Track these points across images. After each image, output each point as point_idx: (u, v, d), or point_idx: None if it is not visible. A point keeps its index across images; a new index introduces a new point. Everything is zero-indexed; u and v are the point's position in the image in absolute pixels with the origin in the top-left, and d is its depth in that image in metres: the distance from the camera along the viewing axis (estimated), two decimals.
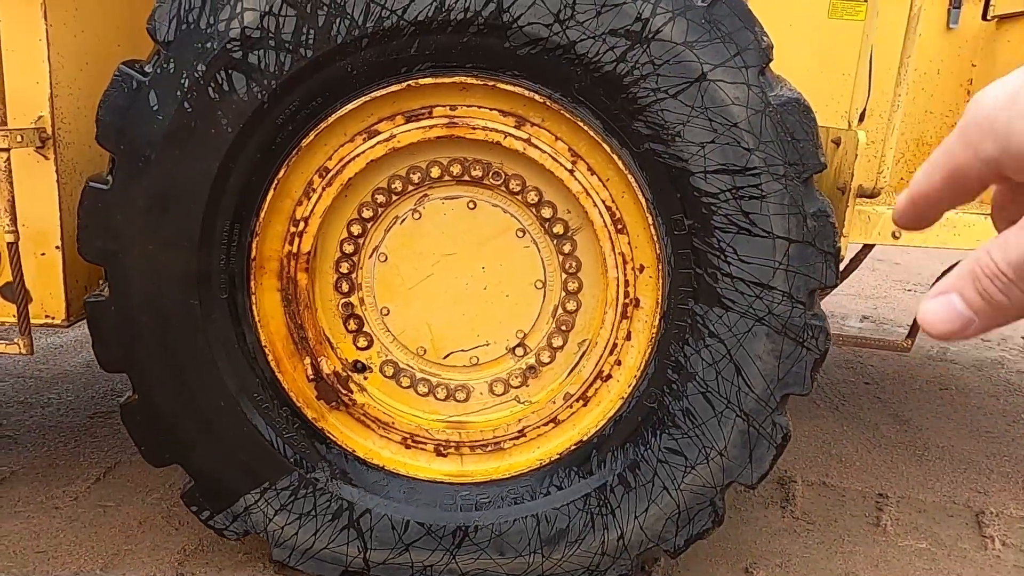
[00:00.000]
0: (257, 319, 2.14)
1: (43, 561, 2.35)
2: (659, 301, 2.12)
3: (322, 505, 2.23)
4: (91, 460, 2.98)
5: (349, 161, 2.07)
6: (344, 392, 2.21)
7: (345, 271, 2.20)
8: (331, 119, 2.01)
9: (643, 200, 2.06)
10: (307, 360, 2.20)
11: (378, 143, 2.06)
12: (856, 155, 2.31)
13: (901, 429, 3.69)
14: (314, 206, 2.09)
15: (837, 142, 2.43)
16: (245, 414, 2.15)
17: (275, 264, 2.14)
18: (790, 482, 3.11)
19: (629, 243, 2.12)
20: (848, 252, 2.61)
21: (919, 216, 0.55)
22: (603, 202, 2.10)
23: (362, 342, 2.25)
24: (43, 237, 2.20)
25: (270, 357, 2.17)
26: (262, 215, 2.07)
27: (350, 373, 2.23)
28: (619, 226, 2.11)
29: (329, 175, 2.08)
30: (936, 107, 3.08)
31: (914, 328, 3.22)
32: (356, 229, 2.18)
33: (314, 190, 2.09)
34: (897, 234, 2.43)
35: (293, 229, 2.11)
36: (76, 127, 2.25)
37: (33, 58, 2.11)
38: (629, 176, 2.05)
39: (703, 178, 1.99)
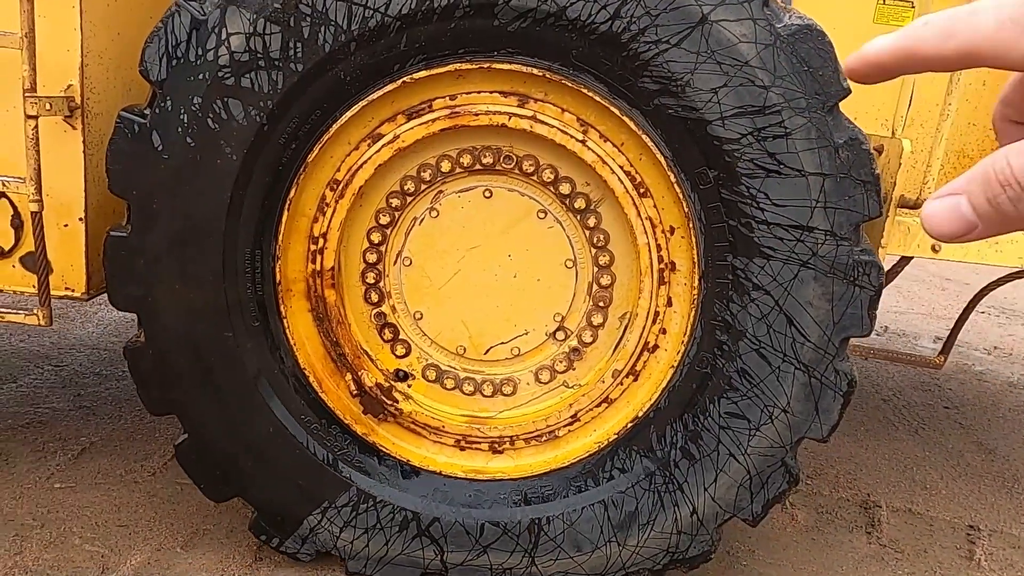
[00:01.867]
0: (292, 342, 2.13)
1: (125, 535, 2.38)
2: (695, 261, 2.03)
3: (386, 517, 2.19)
4: (166, 435, 3.00)
5: (357, 169, 2.03)
6: (389, 403, 2.18)
7: (372, 281, 2.17)
8: (332, 130, 1.99)
9: (662, 159, 1.98)
10: (348, 376, 2.18)
11: (383, 146, 2.02)
12: (900, 164, 2.20)
13: (987, 458, 3.52)
14: (330, 221, 2.07)
15: (879, 150, 2.33)
16: (295, 438, 2.13)
17: (301, 285, 2.12)
18: (874, 507, 2.98)
19: (655, 205, 2.04)
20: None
21: (867, 75, 0.53)
22: (621, 168, 2.02)
23: (400, 350, 2.22)
24: (67, 208, 2.13)
25: (311, 378, 2.15)
26: (280, 238, 2.05)
27: (393, 383, 2.20)
28: (641, 190, 2.03)
29: (340, 187, 2.05)
30: (980, 119, 2.92)
31: (947, 345, 3.08)
32: (376, 237, 2.14)
33: (328, 204, 2.06)
34: (937, 247, 2.30)
35: (313, 247, 2.09)
36: (105, 98, 2.18)
37: (65, 25, 2.04)
38: (644, 136, 1.96)
39: (721, 125, 1.90)
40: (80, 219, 2.14)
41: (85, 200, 2.13)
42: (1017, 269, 2.57)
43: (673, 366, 2.09)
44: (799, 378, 2.02)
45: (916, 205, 2.32)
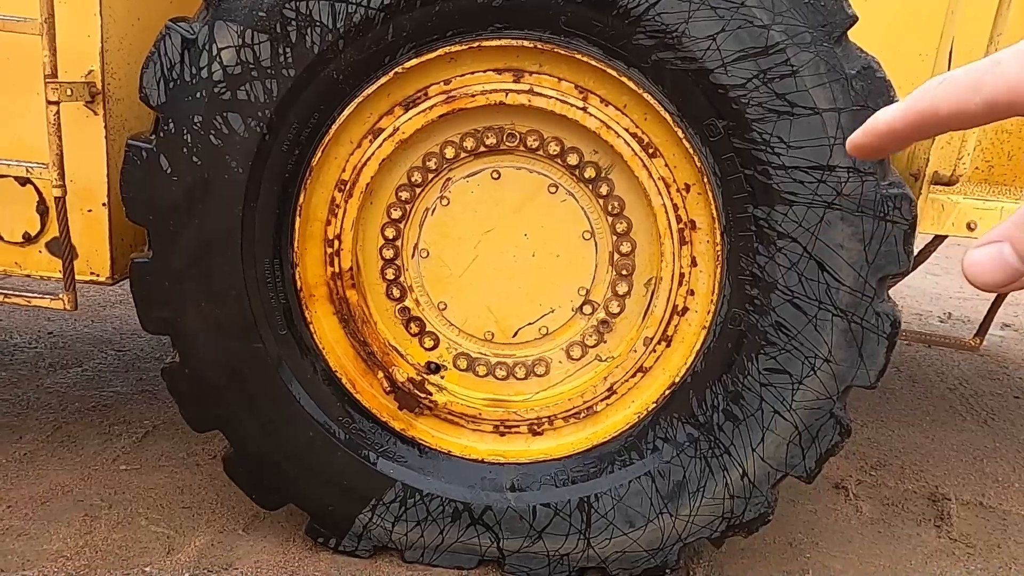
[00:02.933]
0: (321, 347, 2.14)
1: (189, 517, 2.44)
2: (715, 216, 1.96)
3: (436, 510, 2.19)
4: None
5: (362, 167, 2.03)
6: (423, 396, 2.17)
7: (392, 277, 2.17)
8: (332, 130, 1.98)
9: (668, 116, 1.91)
10: (380, 374, 2.18)
11: (384, 140, 2.01)
12: (933, 139, 2.09)
13: None
14: (342, 222, 2.07)
15: None
16: (335, 440, 2.15)
17: (323, 289, 2.13)
18: (943, 500, 2.86)
19: (666, 164, 1.98)
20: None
21: (880, 148, 0.52)
22: (627, 130, 1.96)
23: (428, 342, 2.21)
24: (90, 193, 2.15)
25: (344, 380, 2.16)
26: (296, 244, 2.06)
27: (425, 376, 2.19)
28: (651, 150, 1.97)
29: (348, 186, 2.05)
30: None
31: (983, 327, 2.93)
32: (390, 232, 2.14)
33: (338, 206, 2.06)
34: (973, 226, 2.18)
35: (329, 250, 2.09)
36: (127, 83, 2.18)
37: (85, 10, 2.05)
38: (646, 95, 1.91)
39: (724, 72, 1.83)
40: (104, 204, 2.15)
41: (108, 185, 2.14)
42: None
43: (705, 327, 2.03)
44: (838, 325, 1.94)
45: (951, 182, 2.19)
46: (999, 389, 4.01)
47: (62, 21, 2.00)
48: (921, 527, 2.69)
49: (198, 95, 1.93)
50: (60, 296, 2.15)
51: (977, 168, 2.89)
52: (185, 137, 1.95)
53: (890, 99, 1.82)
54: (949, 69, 2.17)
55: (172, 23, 1.91)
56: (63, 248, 2.10)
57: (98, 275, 2.22)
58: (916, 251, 2.69)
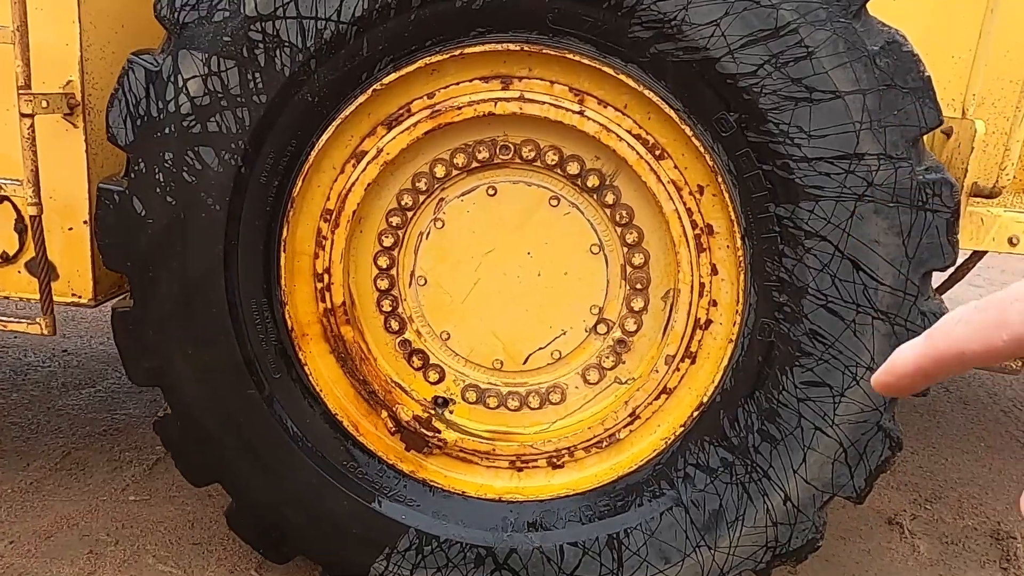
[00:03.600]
0: (319, 388, 2.00)
1: (199, 554, 2.31)
2: (734, 218, 1.78)
3: (456, 555, 2.03)
4: None
5: (347, 194, 1.89)
6: (431, 435, 2.02)
7: (389, 309, 2.02)
8: (312, 157, 1.84)
9: (673, 113, 1.75)
10: (383, 414, 2.03)
11: (368, 163, 1.87)
12: (972, 148, 1.92)
13: None
14: (331, 254, 1.93)
15: (948, 133, 2.05)
16: (340, 487, 2.00)
17: (316, 327, 1.99)
18: (1007, 538, 2.64)
19: (676, 166, 1.81)
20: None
21: (905, 388, 0.52)
22: (629, 132, 1.79)
23: (433, 376, 2.05)
24: (71, 211, 2.02)
25: (345, 423, 2.02)
26: (283, 281, 1.92)
27: (432, 412, 2.04)
28: (657, 152, 1.80)
29: (333, 216, 1.91)
30: None
31: None
32: (384, 261, 1.99)
33: (325, 237, 1.92)
34: (1015, 240, 2.03)
35: (320, 284, 1.95)
36: (109, 94, 2.01)
37: (62, 17, 1.92)
38: (647, 92, 1.74)
39: (731, 60, 1.65)
40: (85, 222, 2.03)
41: (89, 202, 2.02)
42: None
43: (731, 340, 1.85)
44: (879, 328, 1.75)
45: (992, 194, 2.01)
46: None
47: (38, 28, 1.87)
48: (986, 569, 2.48)
49: (167, 131, 1.80)
50: (37, 320, 2.02)
51: (1016, 178, 2.66)
52: (157, 176, 1.83)
53: (919, 75, 1.64)
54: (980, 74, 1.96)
55: (135, 56, 1.79)
56: (40, 268, 1.97)
57: (80, 297, 2.09)
58: (954, 267, 2.51)
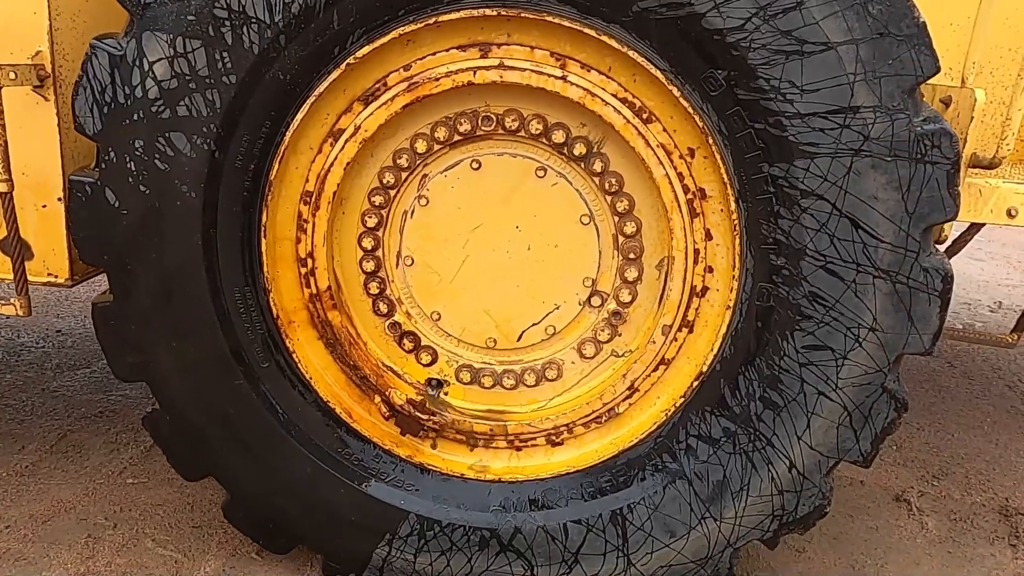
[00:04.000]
0: (309, 376, 1.95)
1: (199, 538, 2.27)
2: (727, 181, 1.73)
3: (459, 538, 2.00)
4: None
5: (326, 174, 1.82)
6: (426, 417, 1.97)
7: (377, 291, 1.97)
8: (288, 138, 1.78)
9: (659, 74, 1.68)
10: (376, 399, 1.98)
11: (347, 141, 1.80)
12: (972, 117, 1.87)
13: None
14: (313, 237, 1.87)
15: (947, 102, 2.01)
16: (336, 475, 1.96)
17: (303, 313, 1.94)
18: (1016, 514, 2.61)
19: (664, 129, 1.74)
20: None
21: None
22: (615, 96, 1.73)
23: (425, 358, 2.00)
24: (44, 188, 1.95)
25: (338, 410, 1.97)
26: (266, 268, 1.87)
27: (427, 394, 1.99)
28: (644, 115, 1.74)
29: (313, 198, 1.85)
30: None
31: (1021, 322, 2.68)
32: (368, 243, 1.93)
33: (306, 220, 1.86)
34: (1014, 212, 2.00)
35: (304, 269, 1.90)
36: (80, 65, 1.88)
37: None
38: (631, 53, 1.67)
39: (717, 14, 1.58)
40: (59, 199, 1.96)
41: (63, 178, 1.95)
42: None
43: (729, 307, 1.80)
44: (881, 288, 1.70)
45: (991, 165, 1.96)
46: None
47: None
48: (995, 546, 2.46)
49: (135, 117, 1.73)
50: (11, 301, 1.95)
51: (1016, 149, 2.60)
52: (128, 166, 1.77)
53: (914, 21, 1.57)
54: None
55: (97, 41, 1.72)
56: (12, 247, 1.90)
57: (56, 276, 2.02)
58: (951, 240, 2.46)
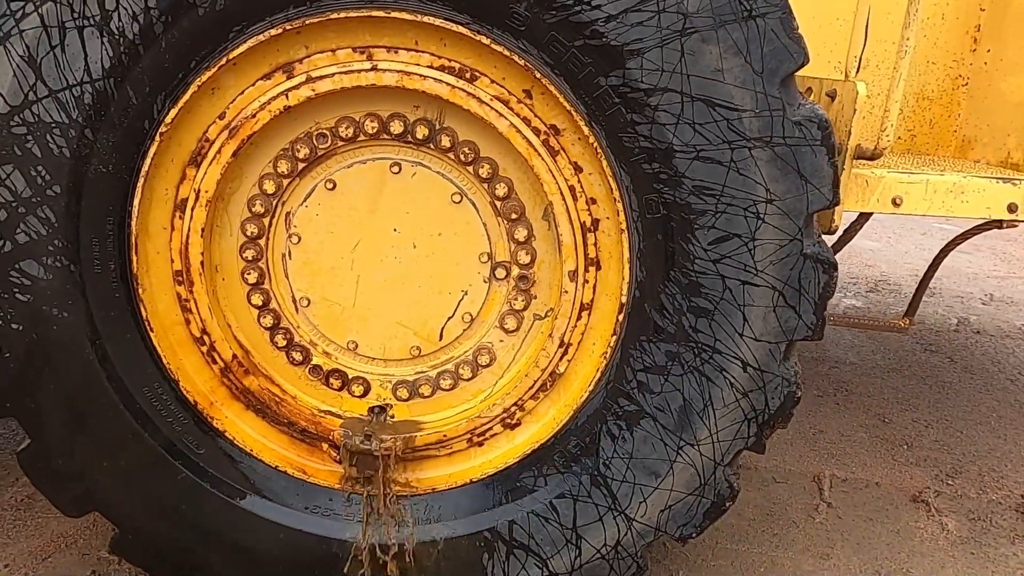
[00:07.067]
0: (250, 449, 1.90)
1: None
2: (570, 109, 1.65)
3: (466, 551, 1.93)
4: None
5: (187, 248, 1.76)
6: (380, 449, 1.90)
7: (285, 343, 1.91)
8: (134, 226, 1.72)
9: (464, 29, 1.61)
10: (324, 447, 1.92)
11: (193, 209, 1.74)
12: (855, 110, 1.93)
13: None
14: (199, 314, 1.81)
15: (832, 95, 2.07)
16: (320, 536, 1.90)
17: (221, 391, 1.88)
18: None
19: (493, 81, 1.67)
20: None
21: None
22: (430, 67, 1.66)
23: (358, 389, 1.94)
24: None
25: (292, 472, 1.92)
26: (165, 360, 1.81)
27: (375, 424, 1.92)
28: (467, 75, 1.67)
29: (184, 275, 1.79)
30: (939, 57, 2.67)
31: (912, 305, 2.72)
32: (258, 299, 1.87)
33: (187, 300, 1.80)
34: (898, 201, 2.09)
35: (203, 348, 1.84)
36: None
37: None
38: (427, 19, 1.60)
39: None
40: None
41: None
42: (985, 220, 2.28)
43: (623, 229, 1.72)
44: (760, 157, 1.62)
45: (873, 156, 1.99)
46: None
47: None
48: (1016, 545, 2.43)
49: None
50: None
51: (899, 138, 2.75)
52: None
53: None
54: (866, 34, 2.00)
55: None
56: None
57: None
58: (841, 230, 2.49)
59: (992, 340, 4.21)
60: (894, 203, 2.09)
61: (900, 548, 2.42)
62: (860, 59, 2.05)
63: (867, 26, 2.01)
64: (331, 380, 1.93)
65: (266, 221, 1.83)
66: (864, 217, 2.73)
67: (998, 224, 2.30)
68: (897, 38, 2.00)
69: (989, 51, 2.63)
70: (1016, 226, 2.36)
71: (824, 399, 3.46)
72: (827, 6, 2.40)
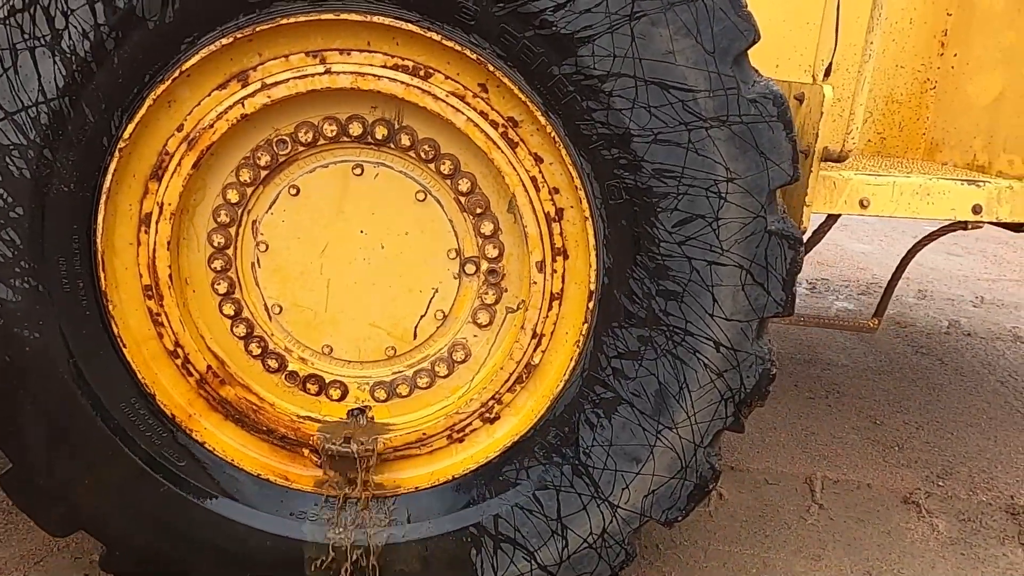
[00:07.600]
0: (231, 459, 1.90)
1: None
2: (526, 100, 1.65)
3: (454, 548, 1.93)
4: None
5: (154, 262, 1.77)
6: (361, 452, 1.90)
7: (259, 351, 1.91)
8: (100, 244, 1.73)
9: (414, 27, 1.61)
10: (305, 451, 1.93)
11: (158, 223, 1.74)
12: (822, 113, 1.94)
13: None
14: (172, 327, 1.82)
15: (800, 99, 2.09)
16: (311, 542, 1.91)
17: (199, 402, 1.89)
18: (1023, 513, 2.60)
19: (447, 77, 1.68)
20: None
21: None
22: (384, 67, 1.66)
23: (335, 393, 1.94)
24: None
25: (274, 479, 1.92)
26: (140, 375, 1.82)
27: (355, 424, 1.93)
28: (422, 73, 1.67)
29: (154, 290, 1.79)
30: (907, 60, 2.71)
31: (881, 306, 2.71)
32: (229, 309, 1.87)
33: (158, 314, 1.81)
34: (866, 203, 2.10)
35: (177, 361, 1.84)
36: None
37: None
38: (378, 19, 1.61)
39: None
40: None
41: None
42: (951, 221, 2.28)
43: (587, 216, 1.72)
44: (718, 136, 1.62)
45: (840, 158, 1.99)
46: None
47: None
48: (1006, 546, 2.44)
49: None
50: None
51: (869, 141, 2.77)
52: None
53: None
54: (836, 36, 2.00)
55: None
56: None
57: None
58: (810, 232, 2.53)
59: (982, 342, 4.24)
60: (861, 204, 2.10)
61: (891, 549, 2.43)
62: (830, 63, 2.04)
63: (837, 30, 2.00)
64: (308, 385, 1.94)
65: (233, 231, 1.83)
66: (832, 219, 2.73)
67: (963, 225, 2.30)
68: (862, 41, 2.00)
69: (956, 55, 2.64)
70: (981, 227, 2.37)
71: (816, 401, 3.45)
72: (797, 10, 2.41)
